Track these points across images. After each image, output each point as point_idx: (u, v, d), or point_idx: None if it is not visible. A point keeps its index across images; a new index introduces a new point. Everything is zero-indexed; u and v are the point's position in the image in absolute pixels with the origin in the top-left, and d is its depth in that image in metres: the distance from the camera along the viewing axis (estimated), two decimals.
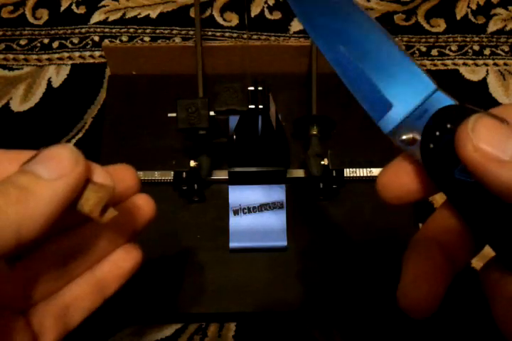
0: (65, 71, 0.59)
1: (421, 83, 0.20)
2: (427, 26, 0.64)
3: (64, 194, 0.18)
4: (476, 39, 0.62)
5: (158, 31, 0.63)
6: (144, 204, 0.24)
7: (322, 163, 0.47)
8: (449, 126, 0.19)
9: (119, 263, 0.24)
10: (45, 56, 0.61)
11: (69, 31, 0.62)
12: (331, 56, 0.22)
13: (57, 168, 0.18)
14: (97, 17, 0.63)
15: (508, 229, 0.18)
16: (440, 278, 0.20)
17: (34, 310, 0.22)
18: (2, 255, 0.17)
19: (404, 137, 0.20)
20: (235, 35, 0.63)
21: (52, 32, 0.62)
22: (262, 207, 0.49)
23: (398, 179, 0.21)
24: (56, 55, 0.61)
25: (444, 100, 0.19)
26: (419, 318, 0.20)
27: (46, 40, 0.62)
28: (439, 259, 0.20)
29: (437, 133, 0.19)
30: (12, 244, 0.17)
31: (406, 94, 0.20)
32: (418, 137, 0.20)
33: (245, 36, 0.61)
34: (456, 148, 0.17)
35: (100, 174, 0.20)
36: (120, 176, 0.22)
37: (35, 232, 0.18)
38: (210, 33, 0.62)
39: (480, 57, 0.61)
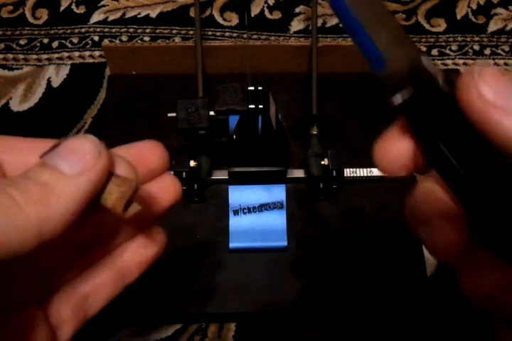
0: (64, 71, 0.59)
1: (409, 48, 0.19)
2: (427, 26, 0.63)
3: (87, 190, 0.17)
4: (477, 39, 0.62)
5: (158, 31, 0.63)
6: (170, 186, 0.23)
7: (322, 163, 0.47)
8: (425, 108, 0.18)
9: (140, 250, 0.23)
10: (44, 56, 0.61)
11: (69, 31, 0.62)
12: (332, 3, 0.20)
13: (79, 162, 0.17)
14: (96, 17, 0.63)
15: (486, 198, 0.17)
16: (460, 223, 0.19)
17: (52, 300, 0.21)
18: (23, 256, 0.16)
19: (395, 100, 0.19)
20: (234, 34, 0.62)
21: (52, 32, 0.62)
22: (262, 207, 0.48)
23: (396, 145, 0.19)
24: (56, 55, 0.60)
25: (428, 70, 0.18)
26: (452, 266, 0.19)
27: (46, 40, 0.62)
28: (453, 207, 0.19)
29: (417, 110, 0.18)
30: (33, 245, 0.16)
31: (396, 56, 0.19)
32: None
33: (245, 36, 0.61)
34: (457, 93, 0.16)
35: (123, 166, 0.19)
36: (147, 155, 0.21)
37: (57, 231, 0.17)
38: (210, 33, 0.62)
39: (480, 57, 0.61)
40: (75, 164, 0.17)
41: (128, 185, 0.18)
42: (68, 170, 0.17)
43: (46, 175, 0.17)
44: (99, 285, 0.22)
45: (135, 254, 0.23)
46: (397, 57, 0.19)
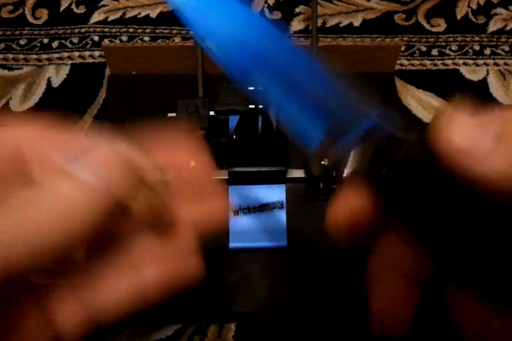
0: (64, 71, 0.59)
1: (359, 114, 0.19)
2: (427, 26, 0.63)
3: (111, 203, 0.17)
4: (477, 39, 0.62)
5: (158, 31, 0.63)
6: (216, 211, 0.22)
7: (322, 163, 0.47)
8: (392, 158, 0.18)
9: (163, 268, 0.22)
10: (44, 56, 0.61)
11: (69, 31, 0.62)
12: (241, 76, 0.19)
13: (106, 175, 0.17)
14: (96, 17, 0.63)
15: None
16: (410, 298, 0.19)
17: (59, 301, 0.21)
18: (39, 269, 0.16)
19: (347, 170, 0.19)
20: None
21: (52, 32, 0.62)
22: (262, 207, 0.48)
23: (351, 212, 0.20)
24: (56, 55, 0.60)
25: (383, 129, 0.18)
26: (398, 340, 0.19)
27: (46, 40, 0.62)
28: (405, 280, 0.19)
29: (383, 163, 0.18)
30: (51, 256, 0.16)
31: (340, 126, 0.19)
32: (361, 168, 0.19)
33: None
34: (430, 142, 0.17)
35: (150, 172, 0.19)
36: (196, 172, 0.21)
37: (77, 243, 0.17)
38: None
39: (480, 57, 0.61)
40: (101, 177, 0.17)
41: (155, 190, 0.19)
42: (95, 183, 0.17)
43: (68, 185, 0.17)
44: (114, 291, 0.22)
45: (157, 269, 0.22)
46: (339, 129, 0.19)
